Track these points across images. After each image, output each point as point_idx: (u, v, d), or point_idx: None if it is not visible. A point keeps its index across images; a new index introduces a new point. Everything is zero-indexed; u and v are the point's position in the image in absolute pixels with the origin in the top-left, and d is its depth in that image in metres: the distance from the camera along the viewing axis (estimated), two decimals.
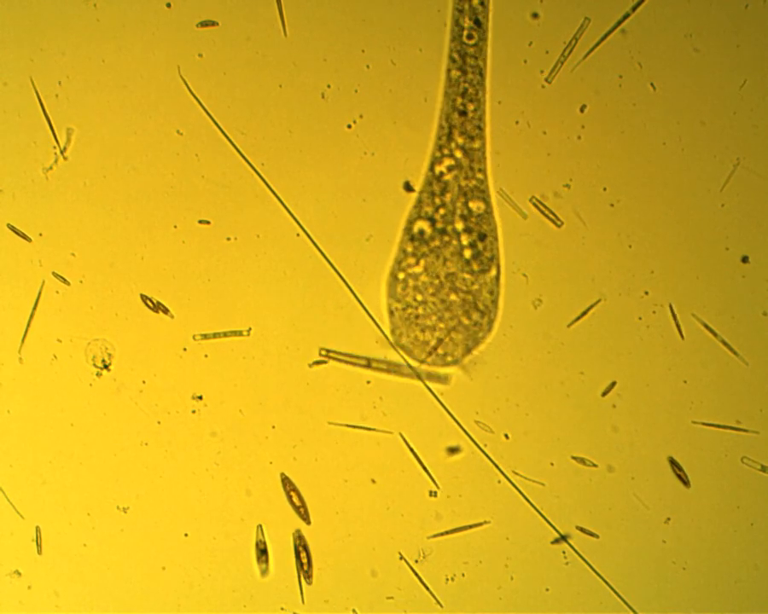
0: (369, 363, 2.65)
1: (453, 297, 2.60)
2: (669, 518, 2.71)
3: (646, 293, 2.69)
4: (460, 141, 2.62)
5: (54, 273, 2.57)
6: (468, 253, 2.59)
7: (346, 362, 2.64)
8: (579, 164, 2.68)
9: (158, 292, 2.70)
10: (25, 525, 2.73)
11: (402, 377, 2.67)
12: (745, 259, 2.67)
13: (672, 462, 2.67)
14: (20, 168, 2.68)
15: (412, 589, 2.74)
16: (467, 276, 2.57)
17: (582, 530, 2.67)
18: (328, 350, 2.64)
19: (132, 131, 2.68)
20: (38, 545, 2.70)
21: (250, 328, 2.71)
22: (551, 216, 2.67)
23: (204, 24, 2.65)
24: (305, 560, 2.66)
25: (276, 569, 2.74)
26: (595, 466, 2.71)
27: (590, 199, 2.68)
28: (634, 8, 2.60)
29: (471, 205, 2.55)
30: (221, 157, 2.67)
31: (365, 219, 2.70)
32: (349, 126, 2.67)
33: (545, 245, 2.69)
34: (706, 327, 2.67)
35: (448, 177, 2.60)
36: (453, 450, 2.69)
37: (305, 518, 2.59)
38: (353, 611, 2.74)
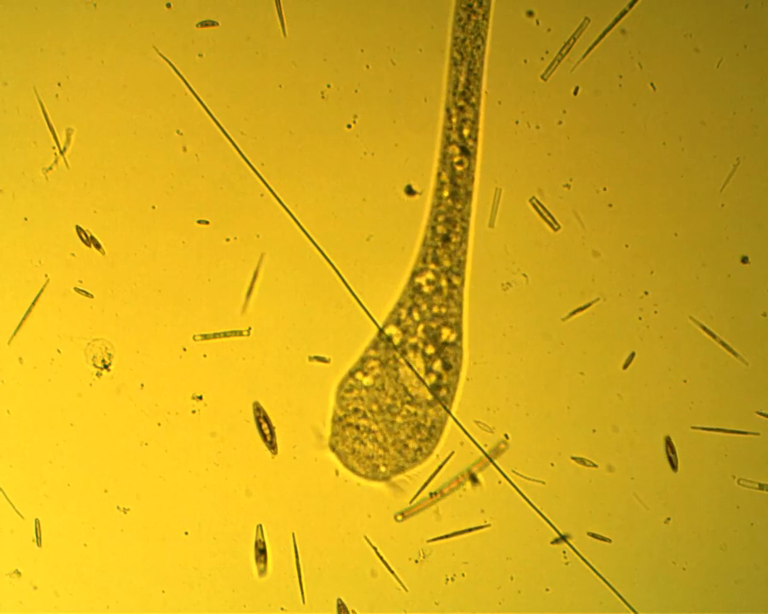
0: (440, 493, 2.69)
1: (398, 419, 2.65)
2: (669, 518, 2.71)
3: (646, 293, 2.69)
4: (446, 264, 2.65)
5: (76, 288, 2.58)
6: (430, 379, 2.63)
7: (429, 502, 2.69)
8: (579, 164, 2.68)
9: (158, 292, 2.70)
10: (25, 525, 2.73)
11: (474, 472, 2.70)
12: (745, 260, 2.67)
13: (668, 443, 2.67)
14: (20, 168, 2.68)
15: (412, 589, 2.74)
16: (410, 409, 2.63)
17: (594, 535, 2.68)
18: (403, 514, 2.69)
19: (132, 131, 2.68)
20: (38, 537, 2.71)
21: (250, 328, 2.71)
22: (549, 218, 2.67)
23: (204, 24, 2.65)
24: (267, 432, 2.66)
25: (276, 569, 2.74)
26: (595, 466, 2.71)
27: (590, 199, 2.68)
28: (631, 5, 2.60)
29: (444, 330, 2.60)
30: (221, 157, 2.67)
31: (365, 219, 2.70)
32: (349, 126, 2.67)
33: (545, 245, 2.69)
34: (705, 329, 2.67)
35: (426, 290, 2.63)
36: (474, 479, 2.70)
37: None
38: (352, 611, 2.74)
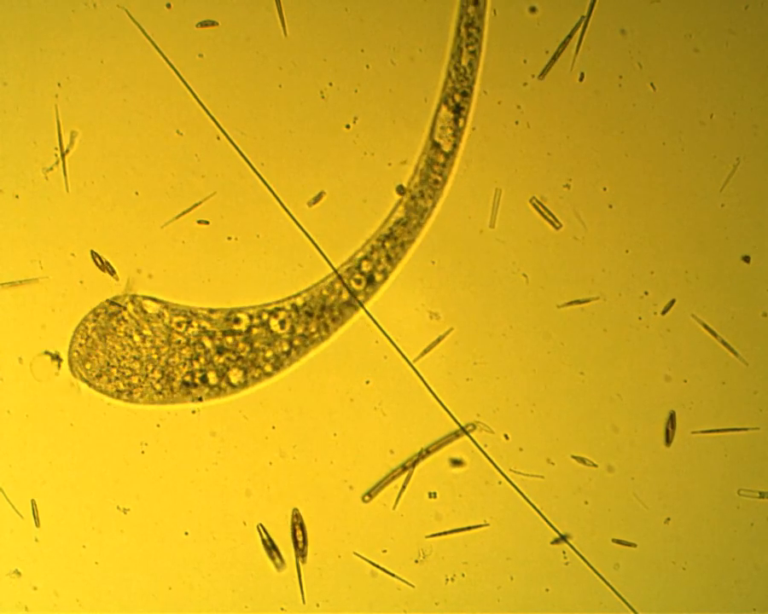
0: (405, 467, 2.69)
1: None
2: (669, 518, 2.71)
3: (646, 293, 2.69)
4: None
5: (108, 300, 2.58)
6: None
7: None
8: (579, 164, 2.68)
9: (158, 292, 2.70)
10: (25, 525, 2.73)
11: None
12: (746, 259, 2.67)
13: (671, 417, 2.67)
14: (20, 168, 2.68)
15: (412, 589, 2.74)
16: None
17: (619, 541, 2.68)
18: (369, 494, 2.68)
19: (132, 131, 2.68)
20: (35, 517, 2.70)
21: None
22: (550, 217, 2.67)
23: (204, 24, 2.65)
24: (300, 539, 2.66)
25: (276, 569, 2.74)
26: (595, 465, 2.71)
27: (590, 200, 2.68)
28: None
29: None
30: (221, 157, 2.67)
31: (365, 219, 2.70)
32: (348, 126, 2.67)
33: (545, 245, 2.69)
34: (706, 327, 2.67)
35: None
36: (456, 463, 2.69)
37: None
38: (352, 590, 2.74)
